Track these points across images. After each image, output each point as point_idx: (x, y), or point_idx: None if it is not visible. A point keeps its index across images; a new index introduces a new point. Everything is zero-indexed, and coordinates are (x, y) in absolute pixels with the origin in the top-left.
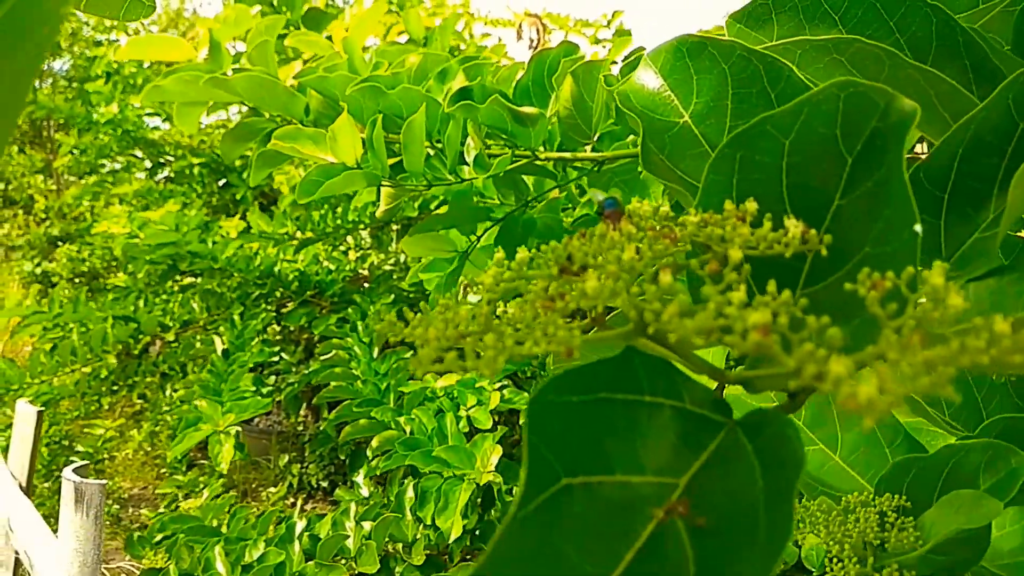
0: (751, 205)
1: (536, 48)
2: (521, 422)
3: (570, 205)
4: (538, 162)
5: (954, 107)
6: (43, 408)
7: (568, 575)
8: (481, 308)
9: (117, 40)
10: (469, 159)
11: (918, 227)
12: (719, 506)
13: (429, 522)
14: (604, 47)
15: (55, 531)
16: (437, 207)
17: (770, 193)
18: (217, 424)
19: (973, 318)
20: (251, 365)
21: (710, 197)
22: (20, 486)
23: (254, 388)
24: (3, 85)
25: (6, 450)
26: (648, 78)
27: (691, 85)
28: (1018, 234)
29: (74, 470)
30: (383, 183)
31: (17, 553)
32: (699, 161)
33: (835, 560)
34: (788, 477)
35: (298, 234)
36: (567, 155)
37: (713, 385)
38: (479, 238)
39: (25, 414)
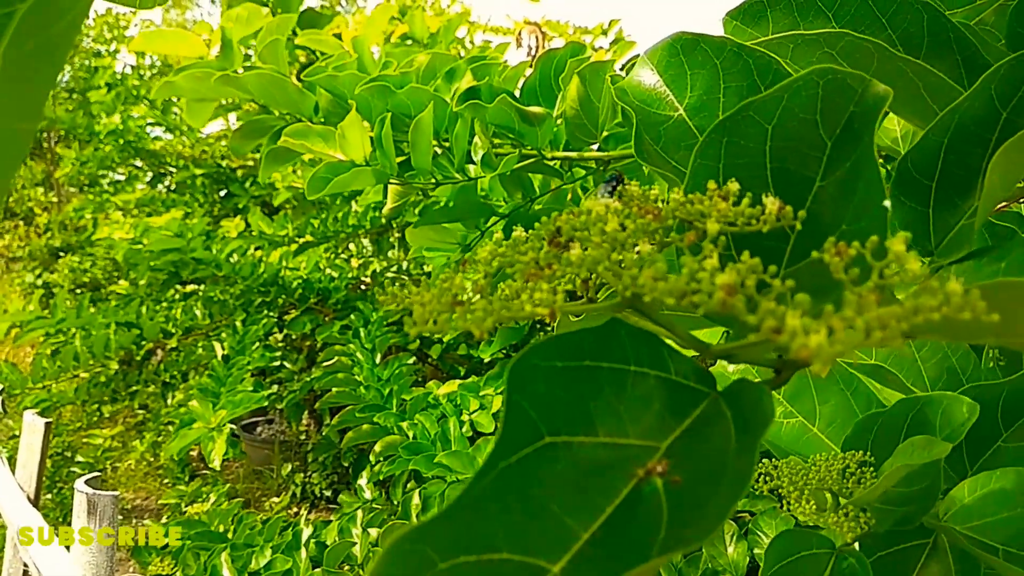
0: (732, 185)
1: (535, 56)
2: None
3: (576, 200)
4: (544, 161)
5: (942, 98)
6: (50, 420)
7: (549, 525)
8: (478, 281)
9: (118, 51)
10: (476, 158)
11: (887, 203)
12: (695, 464)
13: None
14: (605, 55)
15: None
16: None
17: (755, 176)
18: (209, 422)
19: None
20: (251, 369)
21: (697, 180)
22: (28, 497)
23: (251, 390)
24: (40, 57)
25: (12, 460)
26: (645, 74)
27: (685, 80)
28: (1003, 208)
29: (86, 481)
30: (391, 181)
31: (26, 566)
32: (692, 152)
33: (793, 504)
34: (755, 431)
35: (297, 237)
36: (573, 154)
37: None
38: (483, 232)
39: (33, 425)
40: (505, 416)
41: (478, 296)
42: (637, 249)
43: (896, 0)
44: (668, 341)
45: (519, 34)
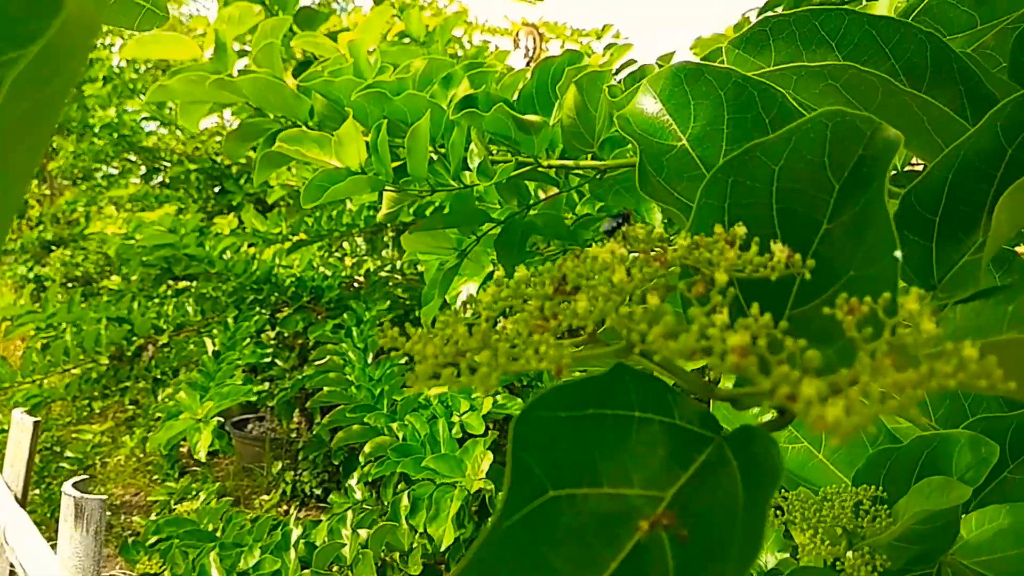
0: (739, 229)
1: (532, 57)
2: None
3: (572, 204)
4: (540, 169)
5: (947, 132)
6: (39, 419)
7: None
8: (479, 325)
9: (113, 44)
10: (472, 165)
11: (898, 253)
12: (701, 517)
13: (422, 530)
14: (601, 59)
15: (49, 540)
16: (434, 212)
17: (761, 217)
18: (196, 413)
19: (947, 342)
20: (242, 365)
21: (703, 220)
22: (16, 497)
23: (241, 384)
24: (33, 119)
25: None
26: (648, 103)
27: (688, 110)
28: (1015, 248)
29: (74, 485)
30: (386, 188)
31: (12, 565)
32: (695, 183)
33: (807, 544)
34: (766, 490)
35: (291, 235)
36: (569, 163)
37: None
38: (479, 238)
39: (21, 424)
40: (510, 474)
41: (482, 344)
42: (645, 301)
43: (899, 30)
44: (668, 381)
45: (516, 35)
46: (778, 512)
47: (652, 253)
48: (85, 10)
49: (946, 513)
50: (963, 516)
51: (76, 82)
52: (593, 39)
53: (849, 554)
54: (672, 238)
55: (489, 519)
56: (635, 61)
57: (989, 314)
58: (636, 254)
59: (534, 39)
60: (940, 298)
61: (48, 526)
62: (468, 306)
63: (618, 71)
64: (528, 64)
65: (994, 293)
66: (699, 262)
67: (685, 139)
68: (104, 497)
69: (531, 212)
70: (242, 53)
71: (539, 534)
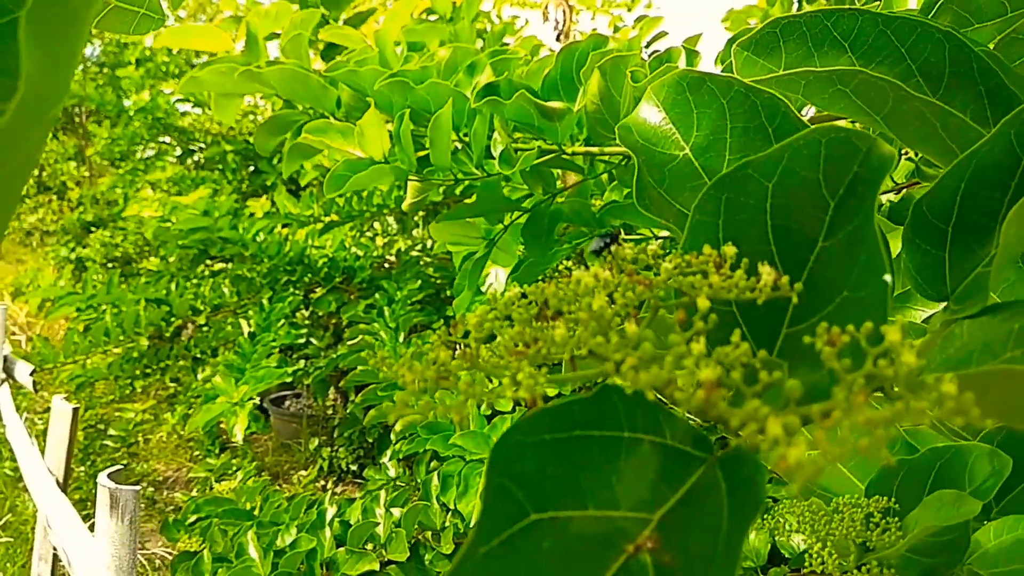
0: (729, 249)
1: (562, 31)
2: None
3: (597, 192)
4: (564, 156)
5: (961, 138)
6: (78, 406)
7: None
8: (468, 349)
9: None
10: (496, 153)
11: (888, 277)
12: (684, 543)
13: (452, 507)
14: (630, 32)
15: (92, 519)
16: (463, 192)
17: (755, 234)
18: (232, 397)
19: (932, 372)
20: (277, 346)
21: (696, 237)
22: (57, 482)
23: (276, 366)
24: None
25: (39, 436)
26: (650, 112)
27: (692, 119)
28: None
29: (109, 475)
30: (410, 177)
31: (55, 548)
32: (697, 194)
33: (816, 556)
34: (747, 520)
35: (323, 217)
36: (594, 149)
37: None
38: (507, 227)
39: (61, 411)
40: (484, 499)
41: (467, 366)
42: (623, 328)
43: (915, 30)
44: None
45: (546, 8)
46: (787, 525)
47: (637, 276)
48: (46, 83)
49: (957, 527)
50: (983, 525)
51: (41, 152)
52: (624, 10)
53: (856, 572)
54: (667, 255)
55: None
56: (666, 33)
57: (996, 331)
58: (622, 276)
59: (564, 11)
60: (953, 310)
61: (92, 503)
62: (459, 327)
63: (649, 43)
64: (558, 38)
65: (1002, 309)
66: (683, 285)
67: (688, 148)
68: (138, 488)
69: (558, 199)
70: (270, 37)
71: (519, 559)
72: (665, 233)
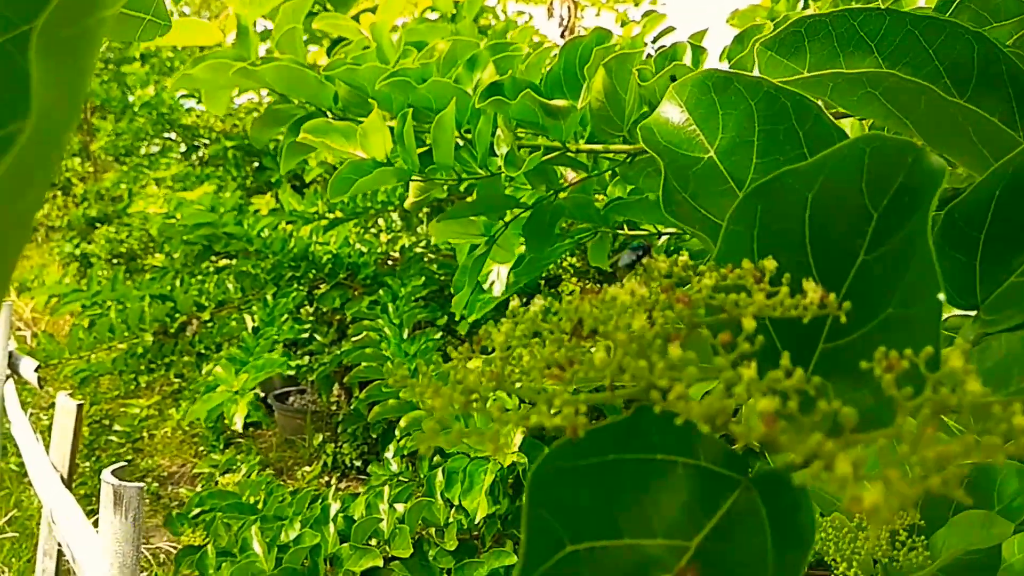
0: (769, 263)
1: (567, 26)
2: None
3: (600, 188)
4: (569, 154)
5: (994, 144)
6: (82, 402)
7: None
8: (493, 368)
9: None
10: (499, 152)
11: (942, 296)
12: (727, 573)
13: (456, 503)
14: (634, 28)
15: (97, 517)
16: (466, 190)
17: (793, 245)
18: (232, 386)
19: (993, 399)
20: (280, 341)
21: (730, 248)
22: (61, 478)
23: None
24: (3, 234)
25: (44, 431)
26: (672, 112)
27: (717, 120)
28: None
29: (113, 472)
30: (413, 177)
31: (59, 544)
32: (724, 199)
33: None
34: (800, 553)
35: (328, 214)
36: (598, 147)
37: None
38: (507, 224)
39: (65, 408)
40: (527, 530)
41: (493, 386)
42: (666, 350)
43: (944, 30)
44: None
45: (551, 4)
46: None
47: (675, 293)
48: (57, 107)
49: (989, 548)
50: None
51: (49, 183)
52: (631, 6)
53: None
54: (700, 267)
55: (523, 494)
56: (674, 28)
57: None
58: (659, 293)
59: (569, 7)
60: (984, 320)
61: (97, 498)
62: (484, 342)
63: (656, 39)
64: (563, 34)
65: None
66: (726, 304)
67: (713, 151)
68: (142, 485)
69: (560, 196)
70: (265, 35)
71: None
72: (672, 229)
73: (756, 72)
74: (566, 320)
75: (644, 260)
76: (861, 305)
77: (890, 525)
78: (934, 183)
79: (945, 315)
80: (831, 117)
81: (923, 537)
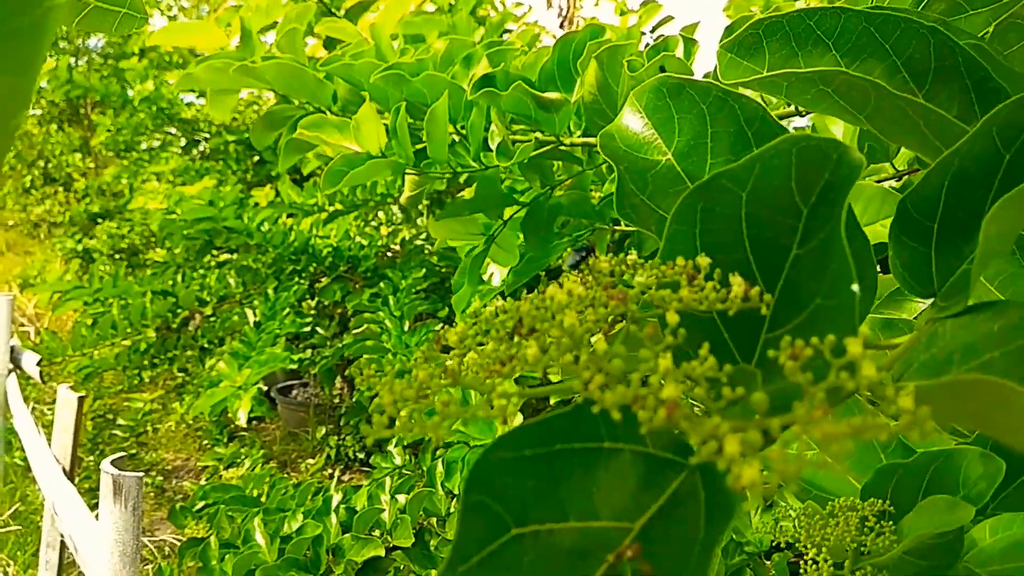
0: (703, 260)
1: (566, 17)
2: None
3: (598, 181)
4: (562, 148)
5: (943, 135)
6: (83, 395)
7: None
8: (451, 364)
9: (151, 15)
10: (493, 145)
11: (855, 287)
12: (663, 552)
13: (457, 492)
14: (632, 17)
15: (99, 510)
16: (465, 182)
17: (732, 243)
18: (235, 381)
19: (913, 373)
20: (282, 335)
21: (674, 246)
22: (64, 470)
23: (282, 352)
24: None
25: (48, 426)
26: (632, 119)
27: (673, 124)
28: None
29: (112, 462)
30: (407, 171)
31: (62, 536)
32: (679, 199)
33: (810, 562)
34: (721, 529)
35: (327, 206)
36: (592, 140)
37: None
38: (505, 222)
39: (67, 400)
40: (461, 518)
41: (448, 383)
42: (593, 345)
43: (899, 26)
44: None
45: None
46: (781, 529)
47: (611, 291)
48: (7, 96)
49: (951, 531)
50: (979, 522)
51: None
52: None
53: None
54: (646, 265)
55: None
56: (672, 18)
57: (977, 331)
58: (598, 290)
59: None
60: (940, 306)
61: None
62: (441, 341)
63: (655, 28)
64: (562, 25)
65: (983, 309)
66: (654, 299)
67: (671, 153)
68: (141, 474)
69: (556, 192)
70: (266, 30)
71: (501, 573)
72: None
73: (719, 74)
74: (508, 319)
75: (588, 260)
76: (796, 297)
77: (771, 498)
78: (853, 177)
79: (926, 305)
80: (775, 118)
81: (891, 522)
